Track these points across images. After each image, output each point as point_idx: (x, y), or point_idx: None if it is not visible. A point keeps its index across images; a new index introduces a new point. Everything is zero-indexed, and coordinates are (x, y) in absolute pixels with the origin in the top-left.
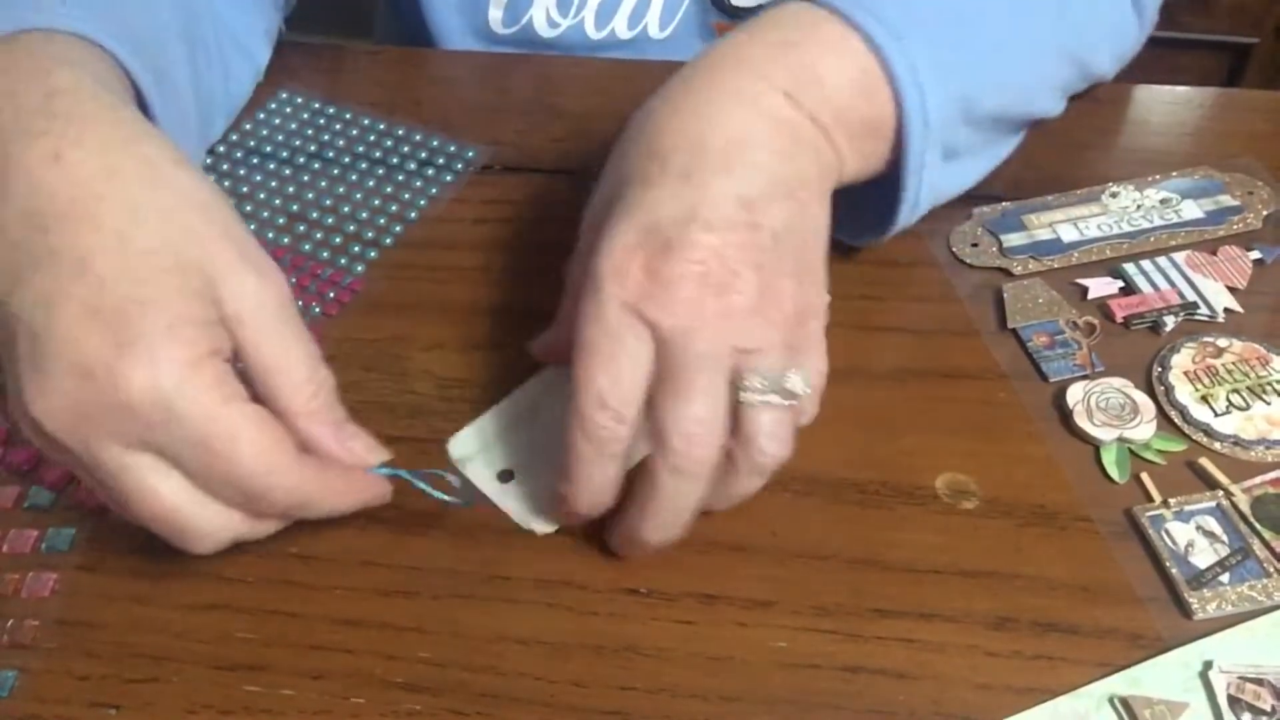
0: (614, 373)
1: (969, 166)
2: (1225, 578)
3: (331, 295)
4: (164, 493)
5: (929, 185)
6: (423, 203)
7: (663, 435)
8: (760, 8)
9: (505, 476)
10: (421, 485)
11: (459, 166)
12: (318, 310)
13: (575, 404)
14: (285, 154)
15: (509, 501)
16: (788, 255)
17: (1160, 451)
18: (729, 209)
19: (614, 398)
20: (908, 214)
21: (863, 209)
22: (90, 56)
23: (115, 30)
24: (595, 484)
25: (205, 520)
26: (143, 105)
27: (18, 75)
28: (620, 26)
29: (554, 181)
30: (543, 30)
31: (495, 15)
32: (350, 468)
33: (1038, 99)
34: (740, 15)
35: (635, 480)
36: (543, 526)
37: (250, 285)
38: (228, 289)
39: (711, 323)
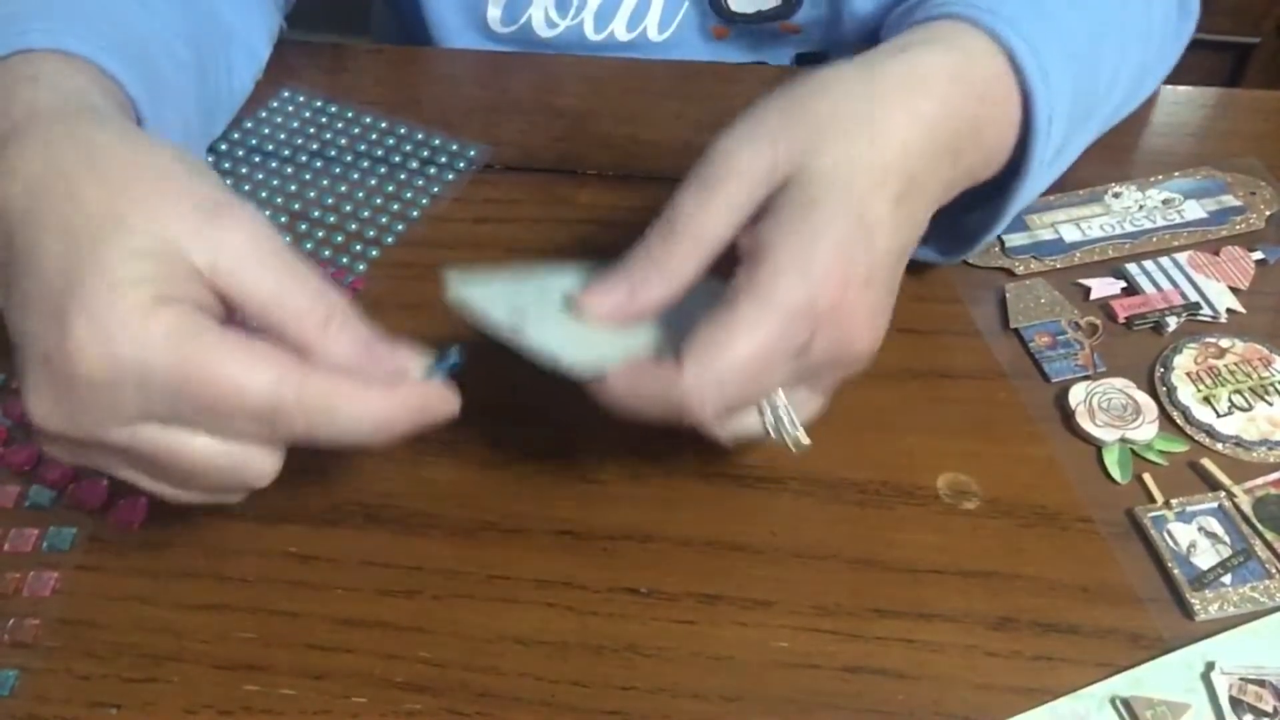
0: (762, 364)
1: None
2: (1227, 579)
3: None
4: (193, 452)
5: (1035, 182)
6: (424, 202)
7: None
8: (760, 14)
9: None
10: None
11: (460, 166)
12: None
13: (708, 364)
14: (286, 153)
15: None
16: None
17: (1162, 452)
18: (897, 258)
19: (740, 386)
20: (986, 244)
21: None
22: (69, 70)
23: (103, 43)
24: (640, 413)
25: (252, 460)
26: (137, 114)
27: None
28: (619, 29)
29: (554, 181)
30: (541, 30)
31: (494, 14)
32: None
33: (1117, 103)
34: (738, 20)
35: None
36: (585, 363)
37: (218, 235)
38: (195, 244)
39: (843, 362)
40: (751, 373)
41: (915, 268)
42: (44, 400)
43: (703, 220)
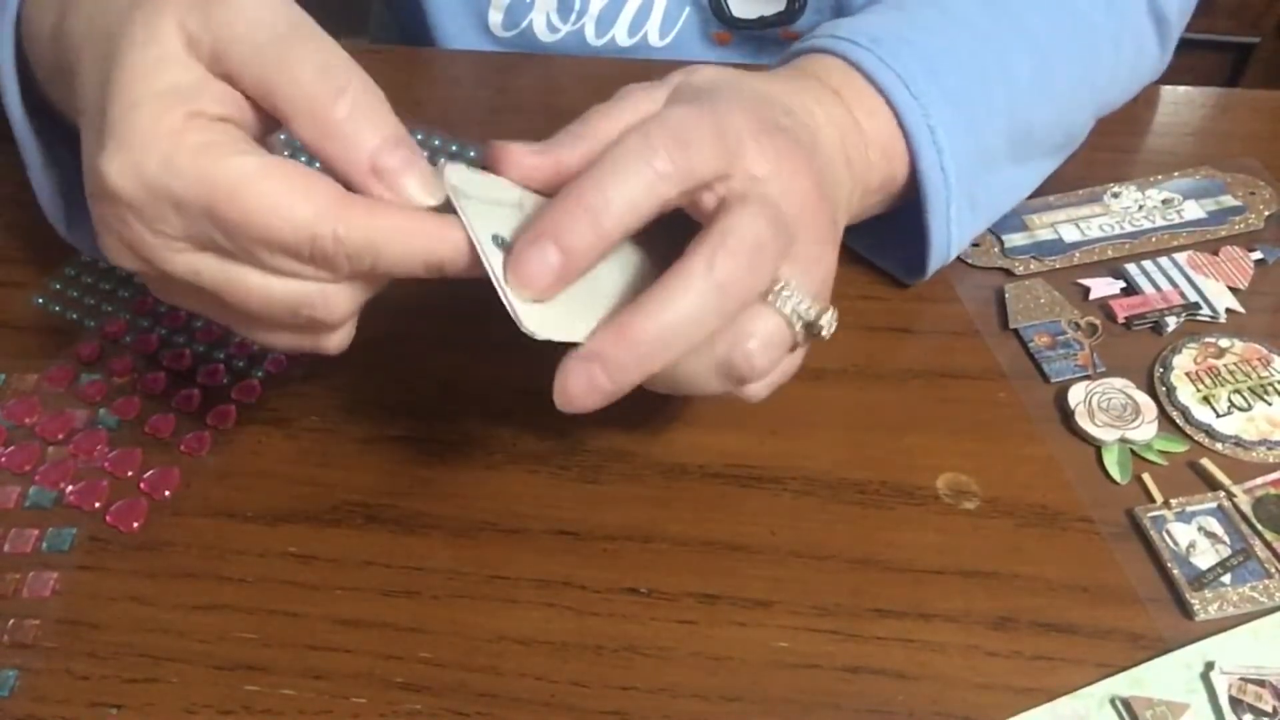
0: (698, 145)
1: (999, 203)
2: (1227, 578)
3: None
4: (250, 288)
5: (959, 232)
6: None
7: (724, 233)
8: (761, 20)
9: (500, 241)
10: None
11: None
12: None
13: (650, 132)
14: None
15: (497, 265)
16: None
17: (1162, 452)
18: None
19: (682, 156)
20: (938, 261)
21: (894, 251)
22: None
23: None
24: (618, 197)
25: (314, 298)
26: None
27: None
28: (620, 34)
29: None
30: (542, 35)
31: (495, 19)
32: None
33: (1059, 139)
34: (740, 25)
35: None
36: (530, 317)
37: (220, 14)
38: (204, 34)
39: (797, 207)
40: (689, 143)
41: None
42: (101, 232)
43: (607, 112)
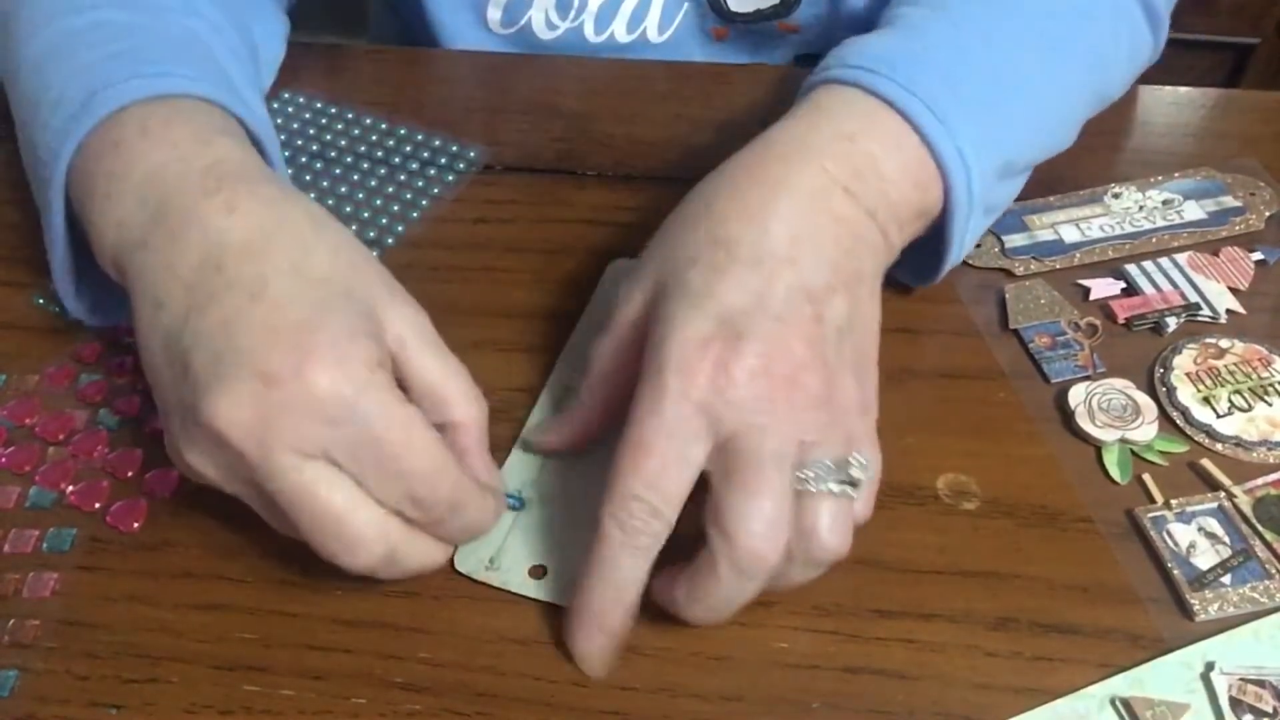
0: (662, 470)
1: (1003, 204)
2: (1227, 579)
3: None
4: (333, 499)
5: (971, 237)
6: (424, 203)
7: (729, 532)
8: (758, 13)
9: (537, 572)
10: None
11: (460, 166)
12: None
13: (615, 491)
14: (287, 154)
15: (549, 595)
16: (847, 349)
17: (1162, 452)
18: (797, 301)
19: (657, 494)
20: (950, 266)
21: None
22: (230, 124)
23: (227, 94)
24: (620, 579)
25: (368, 526)
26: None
27: (180, 140)
28: (619, 30)
29: (555, 181)
30: (541, 32)
31: (494, 16)
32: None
33: (1064, 137)
34: (737, 20)
35: (691, 561)
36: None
37: (408, 312)
38: (389, 315)
39: (783, 418)
40: (653, 475)
41: None
42: (239, 408)
43: (605, 359)
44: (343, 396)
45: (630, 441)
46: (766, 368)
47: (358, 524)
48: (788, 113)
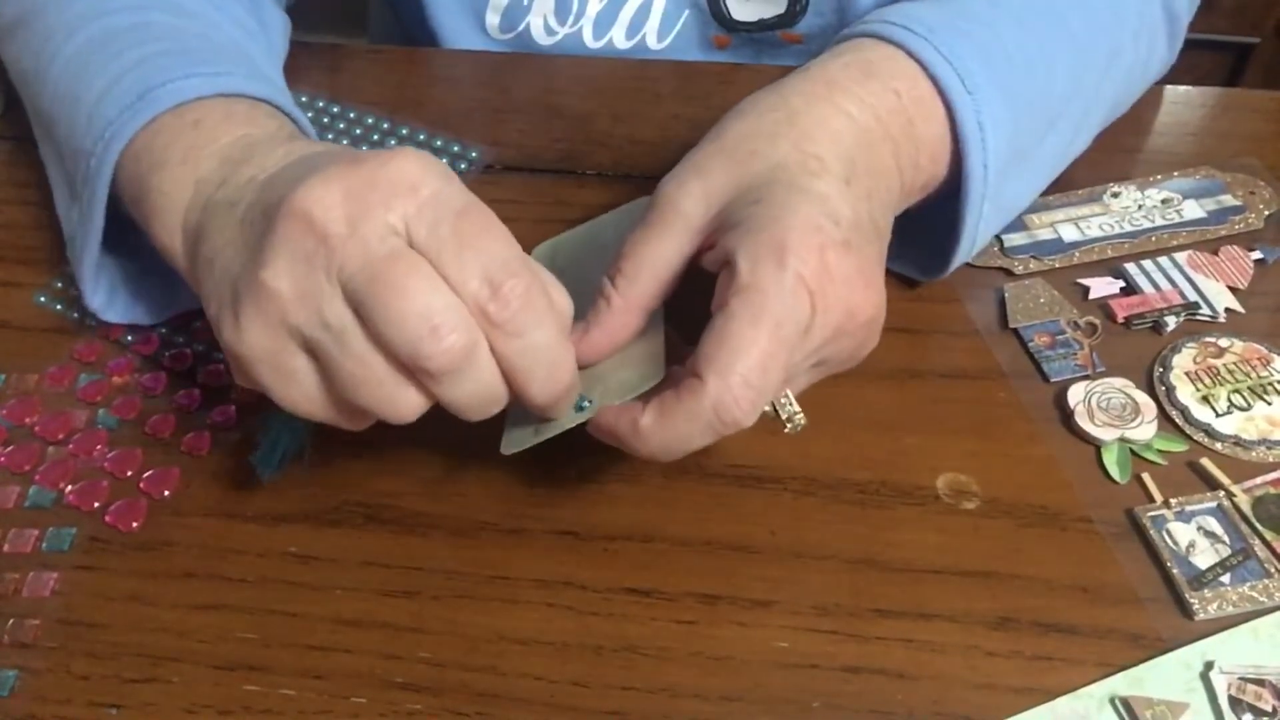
0: (775, 350)
1: (1013, 208)
2: (1226, 578)
3: None
4: (419, 269)
5: (984, 228)
6: None
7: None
8: (761, 22)
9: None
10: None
11: (461, 166)
12: None
13: (726, 363)
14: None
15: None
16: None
17: (1161, 452)
18: (871, 231)
19: (763, 378)
20: (962, 257)
21: (909, 249)
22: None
23: (280, 96)
24: (685, 445)
25: (449, 310)
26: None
27: (262, 121)
28: (618, 36)
29: (555, 181)
30: (539, 38)
31: (492, 20)
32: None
33: (1079, 145)
34: (739, 29)
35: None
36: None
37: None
38: None
39: (850, 331)
40: (770, 364)
41: None
42: (327, 186)
43: (655, 258)
44: (430, 172)
45: (749, 308)
46: (861, 279)
47: (440, 304)
48: (831, 52)
